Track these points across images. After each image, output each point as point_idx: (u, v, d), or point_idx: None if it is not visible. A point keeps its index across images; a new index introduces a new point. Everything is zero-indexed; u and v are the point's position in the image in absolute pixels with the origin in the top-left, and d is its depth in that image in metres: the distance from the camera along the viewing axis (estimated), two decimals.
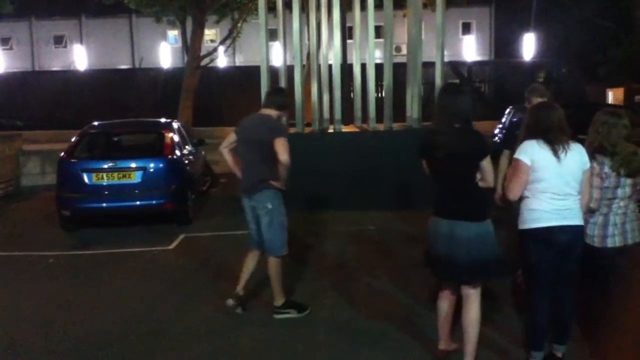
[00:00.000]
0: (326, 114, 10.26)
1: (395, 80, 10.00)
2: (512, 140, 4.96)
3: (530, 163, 3.75)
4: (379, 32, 13.06)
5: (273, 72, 10.25)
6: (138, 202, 8.22)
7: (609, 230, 4.08)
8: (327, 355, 4.38)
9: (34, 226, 9.03)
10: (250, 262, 5.21)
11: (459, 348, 4.00)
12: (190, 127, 14.29)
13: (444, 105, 3.84)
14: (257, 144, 4.89)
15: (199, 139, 10.88)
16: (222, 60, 27.77)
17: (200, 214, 9.37)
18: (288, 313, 5.03)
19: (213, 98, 24.00)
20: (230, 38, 21.90)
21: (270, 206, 4.91)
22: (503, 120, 14.08)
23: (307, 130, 10.00)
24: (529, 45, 29.66)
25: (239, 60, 34.92)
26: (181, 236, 7.98)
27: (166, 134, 8.93)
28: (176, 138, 9.04)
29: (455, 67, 26.56)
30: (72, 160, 8.43)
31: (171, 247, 7.53)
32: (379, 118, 10.01)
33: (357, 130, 10.17)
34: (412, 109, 9.81)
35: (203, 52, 20.71)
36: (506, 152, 5.53)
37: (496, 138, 13.36)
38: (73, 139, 8.89)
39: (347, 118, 10.78)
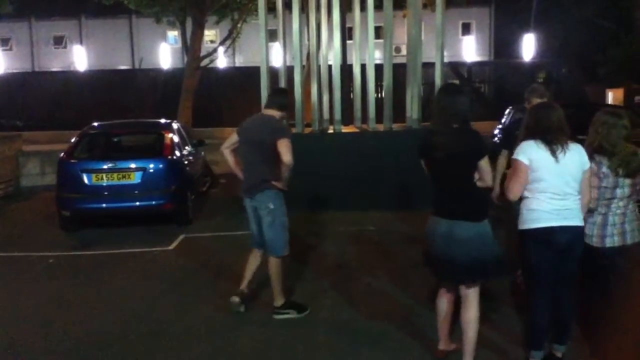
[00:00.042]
0: (326, 115, 10.26)
1: (395, 80, 10.01)
2: (510, 140, 4.97)
3: (529, 163, 3.76)
4: (378, 32, 13.06)
5: (273, 73, 10.26)
6: (138, 203, 8.22)
7: (607, 230, 4.08)
8: (327, 355, 4.39)
9: (34, 227, 9.03)
10: (253, 261, 5.23)
11: (459, 348, 4.00)
12: (190, 128, 14.29)
13: (443, 106, 3.84)
14: (259, 144, 4.89)
15: (198, 140, 10.88)
16: (222, 61, 27.76)
17: (200, 214, 9.37)
18: (288, 313, 5.04)
19: (213, 99, 24.00)
20: (230, 39, 21.91)
21: (272, 206, 4.92)
22: (503, 120, 14.08)
23: (307, 130, 10.01)
24: (528, 46, 29.64)
25: (239, 61, 34.92)
26: (181, 237, 7.98)
27: (166, 135, 8.93)
28: (176, 139, 9.05)
29: (455, 67, 26.57)
30: (72, 161, 8.43)
31: (171, 247, 7.53)
32: (379, 118, 10.01)
33: (356, 130, 10.18)
34: (412, 109, 9.82)
35: (203, 52, 20.71)
36: (504, 152, 5.54)
37: (496, 139, 13.35)
38: (73, 140, 8.90)
39: (347, 118, 10.78)
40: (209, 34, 30.96)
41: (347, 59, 12.52)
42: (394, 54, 10.41)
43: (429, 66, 12.17)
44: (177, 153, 8.83)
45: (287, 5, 10.08)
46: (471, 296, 3.87)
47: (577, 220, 3.81)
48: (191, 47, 20.14)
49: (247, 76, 22.26)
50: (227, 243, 7.57)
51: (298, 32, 9.74)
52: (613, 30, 25.79)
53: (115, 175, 8.18)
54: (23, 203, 11.17)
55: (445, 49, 10.71)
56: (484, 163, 3.76)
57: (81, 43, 36.65)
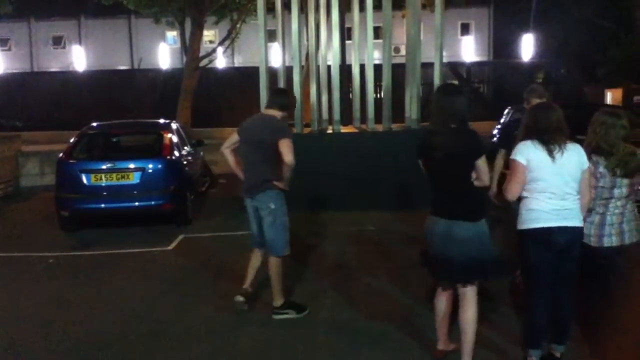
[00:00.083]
0: (325, 115, 10.27)
1: (394, 81, 10.02)
2: (509, 139, 4.98)
3: (526, 163, 3.77)
4: (377, 32, 13.06)
5: (272, 73, 10.27)
6: (137, 203, 8.22)
7: (605, 229, 4.09)
8: (327, 355, 4.39)
9: (34, 227, 9.03)
10: (254, 261, 5.24)
11: (458, 348, 4.00)
12: (189, 128, 14.31)
13: (442, 106, 3.85)
14: (260, 144, 4.89)
15: (197, 140, 10.89)
16: (221, 61, 27.77)
17: (199, 214, 9.38)
18: (287, 314, 5.04)
19: (212, 99, 24.01)
20: (229, 39, 21.92)
21: (273, 206, 4.92)
22: (502, 120, 14.09)
23: (306, 130, 10.01)
24: (527, 46, 29.67)
25: (238, 61, 34.90)
26: (180, 237, 7.98)
27: (165, 135, 8.93)
28: (175, 139, 9.05)
29: (454, 67, 26.60)
30: (71, 161, 8.43)
31: (170, 247, 7.54)
32: (378, 119, 10.02)
33: (356, 130, 10.18)
34: (411, 109, 9.82)
35: (202, 53, 20.74)
36: (502, 152, 5.55)
37: (495, 139, 13.36)
38: (72, 140, 8.89)
39: (346, 119, 10.79)
40: (208, 34, 30.97)
41: (346, 59, 12.53)
42: (393, 54, 10.41)
43: (428, 66, 12.17)
44: (176, 153, 8.83)
45: (286, 6, 10.08)
46: (469, 296, 3.88)
47: (576, 221, 3.81)
48: (190, 48, 20.16)
49: (246, 76, 22.32)
50: (227, 243, 7.57)
51: (297, 33, 9.74)
52: (613, 30, 25.80)
53: (114, 175, 8.17)
54: (22, 203, 11.17)
55: (444, 49, 10.73)
56: (481, 163, 3.77)
57: (80, 43, 36.61)
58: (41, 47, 37.90)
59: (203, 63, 20.79)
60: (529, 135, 3.86)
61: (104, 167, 8.24)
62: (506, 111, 14.03)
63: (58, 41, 37.94)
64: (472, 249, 3.74)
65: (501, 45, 35.29)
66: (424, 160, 3.96)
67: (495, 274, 4.01)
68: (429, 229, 3.93)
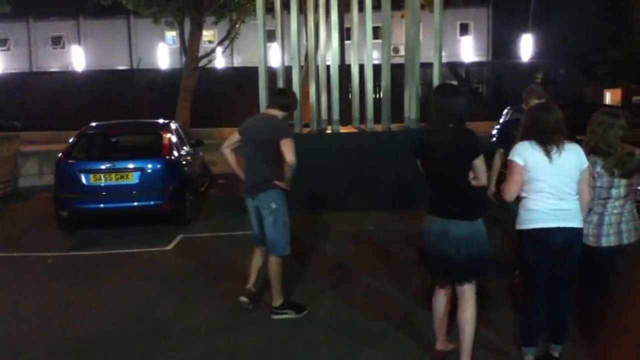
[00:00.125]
0: (324, 115, 10.27)
1: (393, 81, 10.02)
2: (508, 139, 4.98)
3: (523, 163, 3.77)
4: (377, 33, 13.04)
5: (271, 73, 10.26)
6: (136, 203, 8.22)
7: (603, 229, 4.10)
8: (326, 355, 4.39)
9: (33, 227, 9.03)
10: (257, 260, 5.25)
11: (457, 348, 4.01)
12: (188, 128, 14.29)
13: (441, 106, 3.86)
14: (261, 144, 4.90)
15: (197, 140, 10.89)
16: (220, 61, 27.74)
17: (199, 214, 9.37)
18: (286, 314, 5.04)
19: (211, 99, 23.98)
20: (229, 39, 21.88)
21: (274, 206, 4.93)
22: (501, 120, 14.09)
23: (305, 131, 10.02)
24: (526, 46, 29.67)
25: (237, 61, 34.89)
26: (179, 237, 7.99)
27: (164, 135, 8.93)
28: (174, 139, 9.05)
29: (453, 68, 26.58)
30: (70, 161, 8.43)
31: (169, 247, 7.54)
32: (377, 119, 10.02)
33: (355, 131, 10.18)
34: (410, 109, 9.83)
35: (201, 53, 20.70)
36: (500, 151, 5.56)
37: (493, 139, 13.36)
38: (71, 140, 8.89)
39: (345, 119, 10.79)
40: (207, 35, 30.94)
41: (345, 59, 12.52)
42: (392, 54, 10.43)
43: (427, 66, 12.20)
44: (175, 153, 8.83)
45: (285, 6, 10.09)
46: (468, 295, 3.89)
47: (575, 222, 3.80)
48: (189, 48, 20.12)
49: (245, 76, 22.29)
50: (226, 243, 7.57)
51: (296, 33, 9.75)
52: (612, 30, 25.81)
53: (113, 175, 8.18)
54: (21, 203, 11.16)
55: (443, 50, 10.74)
56: (479, 162, 3.78)
57: (79, 43, 36.58)
58: (40, 47, 37.87)
59: (202, 63, 20.77)
60: (527, 135, 3.86)
61: (103, 167, 8.25)
62: (505, 111, 14.03)
63: (57, 41, 37.92)
64: (470, 248, 3.76)
65: (500, 45, 35.31)
66: (421, 160, 3.98)
67: (492, 273, 4.02)
68: (426, 228, 3.95)
